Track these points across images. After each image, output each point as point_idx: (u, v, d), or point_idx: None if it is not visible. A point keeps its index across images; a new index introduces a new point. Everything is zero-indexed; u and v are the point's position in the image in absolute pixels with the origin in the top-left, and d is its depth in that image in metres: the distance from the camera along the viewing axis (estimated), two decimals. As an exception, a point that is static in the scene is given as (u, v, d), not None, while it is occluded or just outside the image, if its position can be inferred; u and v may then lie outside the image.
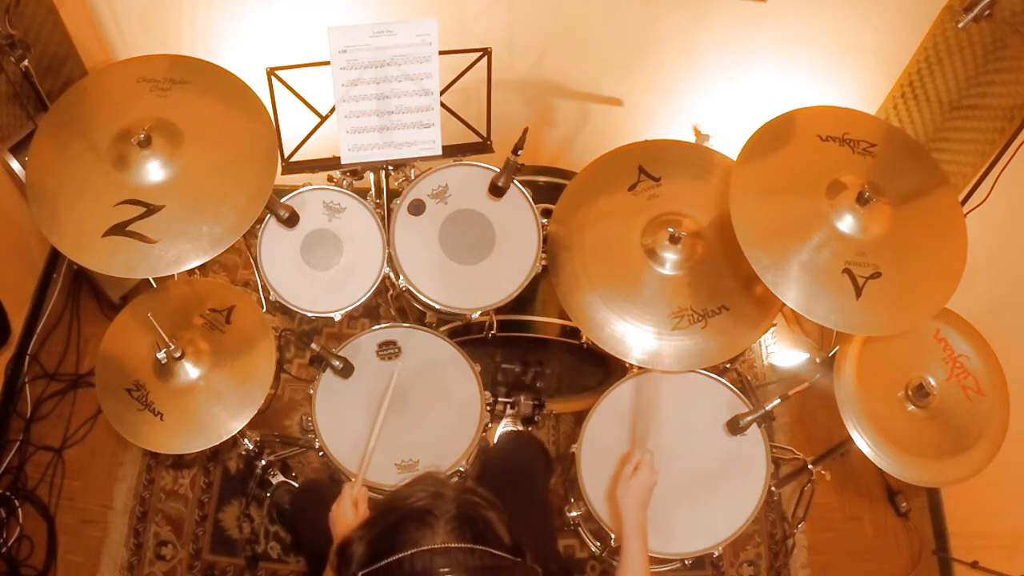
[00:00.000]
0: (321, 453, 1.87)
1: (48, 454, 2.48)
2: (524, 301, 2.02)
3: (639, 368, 1.88)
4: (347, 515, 1.51)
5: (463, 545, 0.98)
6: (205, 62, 1.81)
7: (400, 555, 0.97)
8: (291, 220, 1.90)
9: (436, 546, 0.97)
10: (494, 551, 0.99)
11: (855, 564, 2.54)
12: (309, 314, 1.92)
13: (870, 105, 2.39)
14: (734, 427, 1.86)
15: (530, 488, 1.92)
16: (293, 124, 1.91)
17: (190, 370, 1.78)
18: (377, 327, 2.01)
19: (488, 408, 1.94)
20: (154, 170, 1.66)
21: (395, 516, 1.03)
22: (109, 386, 1.79)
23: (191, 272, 1.88)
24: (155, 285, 1.93)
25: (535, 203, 2.01)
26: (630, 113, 2.56)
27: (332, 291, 1.95)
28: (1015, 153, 1.91)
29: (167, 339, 1.73)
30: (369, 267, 1.96)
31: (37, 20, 2.14)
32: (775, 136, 1.79)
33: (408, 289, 1.95)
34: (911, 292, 1.68)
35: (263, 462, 2.30)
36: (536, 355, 2.15)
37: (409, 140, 1.94)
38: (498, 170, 1.90)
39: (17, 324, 2.53)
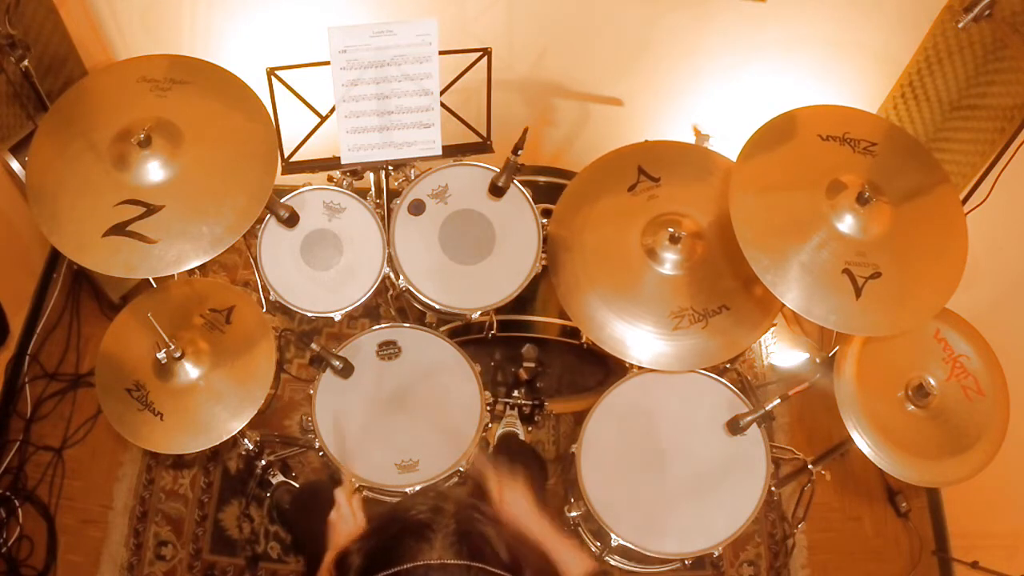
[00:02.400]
0: (321, 453, 1.87)
1: (48, 454, 2.48)
2: (524, 301, 2.02)
3: (639, 368, 1.88)
4: (347, 521, 1.50)
5: (460, 562, 0.98)
6: (205, 62, 1.81)
7: (396, 569, 0.97)
8: (291, 220, 1.90)
9: (432, 561, 0.97)
10: (491, 568, 0.99)
11: (855, 564, 2.54)
12: (309, 314, 1.93)
13: (870, 105, 2.39)
14: (734, 427, 1.85)
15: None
16: (293, 124, 1.91)
17: (190, 370, 1.78)
18: (377, 327, 2.01)
19: (488, 408, 1.94)
20: (154, 170, 1.65)
21: (394, 528, 1.03)
22: (109, 386, 1.79)
23: (191, 272, 1.88)
24: (155, 285, 1.93)
25: (535, 203, 2.01)
26: (630, 113, 2.56)
27: (332, 291, 1.95)
28: (1015, 153, 1.91)
29: (167, 339, 1.73)
30: (369, 267, 1.96)
31: (37, 20, 2.14)
32: (775, 135, 1.79)
33: (408, 289, 1.95)
34: (911, 292, 1.68)
35: (263, 462, 2.30)
36: (536, 355, 2.15)
37: (409, 140, 1.94)
38: (498, 170, 1.90)
39: (17, 324, 2.53)
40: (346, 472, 1.62)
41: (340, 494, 1.53)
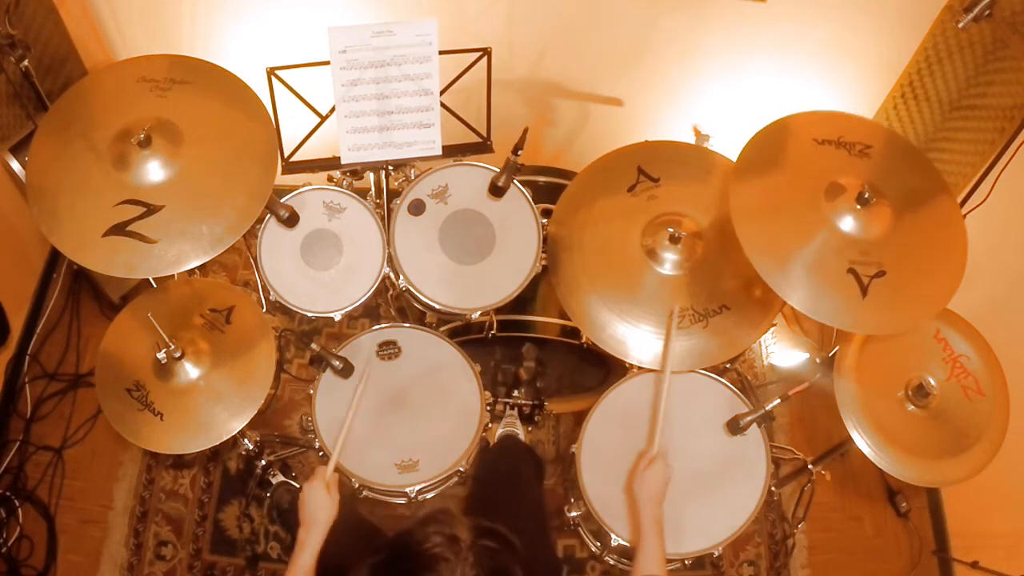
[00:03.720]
0: (321, 453, 1.87)
1: (48, 454, 2.48)
2: (524, 301, 2.02)
3: (639, 368, 1.88)
4: (319, 496, 1.52)
5: None
6: (205, 62, 1.82)
7: None
8: (291, 220, 1.90)
9: None
10: None
11: (855, 564, 2.54)
12: (309, 314, 1.93)
13: (870, 105, 2.39)
14: (734, 427, 1.85)
15: (522, 491, 1.92)
16: (293, 124, 1.91)
17: (190, 370, 1.78)
18: (377, 327, 2.01)
19: (488, 408, 1.94)
20: (154, 170, 1.66)
21: (409, 563, 1.01)
22: (109, 386, 1.79)
23: (191, 272, 1.88)
24: (155, 285, 1.93)
25: (535, 203, 2.01)
26: (630, 113, 2.56)
27: (332, 291, 1.95)
28: (1015, 153, 1.91)
29: (167, 339, 1.73)
30: (369, 267, 1.96)
31: (37, 20, 2.14)
32: (771, 142, 1.79)
33: (408, 289, 1.95)
34: (915, 290, 1.69)
35: (263, 462, 2.29)
36: (536, 355, 2.15)
37: (409, 140, 1.94)
38: (498, 170, 1.90)
39: (17, 324, 2.53)
40: (348, 472, 1.62)
41: (320, 472, 1.55)
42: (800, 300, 1.63)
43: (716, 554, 1.80)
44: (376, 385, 1.94)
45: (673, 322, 1.82)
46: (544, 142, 2.69)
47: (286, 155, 1.95)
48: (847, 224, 1.68)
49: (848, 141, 1.79)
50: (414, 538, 1.04)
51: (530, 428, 2.29)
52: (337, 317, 1.94)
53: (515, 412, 2.24)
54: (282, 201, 1.89)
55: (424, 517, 1.07)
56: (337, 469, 1.85)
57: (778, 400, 1.82)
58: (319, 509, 1.51)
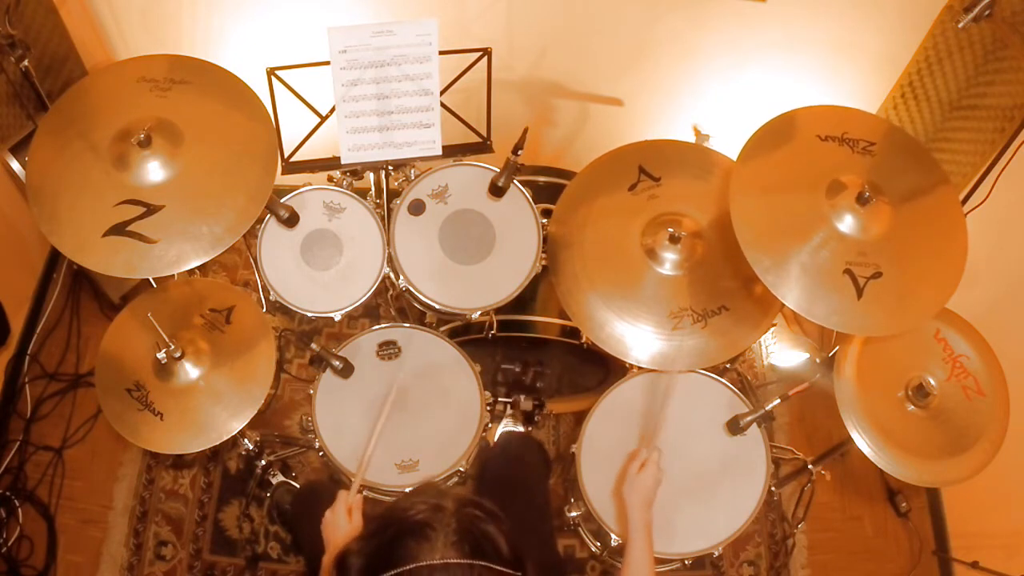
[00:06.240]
0: (321, 453, 1.87)
1: (48, 454, 2.48)
2: (524, 301, 2.02)
3: (639, 368, 1.88)
4: (340, 523, 1.49)
5: (462, 561, 0.97)
6: (205, 62, 1.82)
7: (399, 570, 0.97)
8: (291, 220, 1.90)
9: (435, 562, 0.97)
10: (493, 565, 0.99)
11: (855, 564, 2.54)
12: (309, 314, 1.93)
13: (870, 105, 2.39)
14: (734, 427, 1.86)
15: (529, 490, 1.91)
16: (293, 124, 1.91)
17: (190, 370, 1.78)
18: (377, 327, 2.01)
19: (488, 408, 1.94)
20: (154, 170, 1.66)
21: (394, 529, 1.03)
22: (109, 386, 1.79)
23: (191, 272, 1.88)
24: (155, 285, 1.93)
25: (535, 203, 2.01)
26: (630, 113, 2.56)
27: (332, 291, 1.95)
28: (1015, 153, 1.90)
29: (167, 339, 1.73)
30: (369, 267, 1.96)
31: (37, 20, 2.14)
32: (775, 136, 1.79)
33: (408, 289, 1.95)
34: (912, 292, 1.68)
35: (263, 462, 2.30)
36: (536, 355, 2.15)
37: (409, 140, 1.94)
38: (498, 170, 1.90)
39: (17, 324, 2.53)
40: (354, 479, 1.62)
41: (343, 496, 1.53)
42: (795, 299, 1.63)
43: (716, 554, 1.81)
44: (376, 385, 1.94)
45: (684, 323, 1.81)
46: (544, 142, 2.69)
47: (286, 155, 1.95)
48: (846, 223, 1.68)
49: (852, 138, 1.78)
50: (400, 507, 1.06)
51: (530, 428, 2.29)
52: (337, 317, 1.94)
53: (515, 412, 2.24)
54: (282, 201, 1.89)
55: (411, 491, 1.09)
56: (337, 471, 1.86)
57: (778, 400, 1.82)
58: (338, 536, 1.48)
